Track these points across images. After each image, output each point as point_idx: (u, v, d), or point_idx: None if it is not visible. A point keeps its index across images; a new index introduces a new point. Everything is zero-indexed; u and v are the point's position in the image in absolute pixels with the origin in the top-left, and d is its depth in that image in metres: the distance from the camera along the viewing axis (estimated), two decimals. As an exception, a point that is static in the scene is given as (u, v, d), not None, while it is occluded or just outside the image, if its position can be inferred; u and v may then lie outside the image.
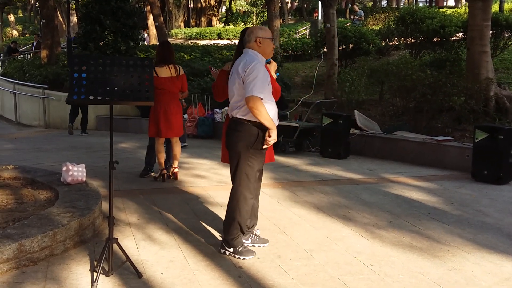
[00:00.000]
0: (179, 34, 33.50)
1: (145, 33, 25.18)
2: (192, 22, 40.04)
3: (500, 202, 5.79)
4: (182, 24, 38.41)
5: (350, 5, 35.06)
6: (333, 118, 8.56)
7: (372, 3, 40.77)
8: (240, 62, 3.88)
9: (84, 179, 5.24)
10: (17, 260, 3.57)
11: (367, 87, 11.69)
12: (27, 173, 5.72)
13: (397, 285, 3.53)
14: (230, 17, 43.12)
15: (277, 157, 4.53)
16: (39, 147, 9.90)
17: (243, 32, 4.15)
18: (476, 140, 6.86)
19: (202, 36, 32.00)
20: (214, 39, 30.75)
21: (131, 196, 5.77)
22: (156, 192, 6.00)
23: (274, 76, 4.34)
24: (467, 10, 11.97)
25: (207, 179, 6.74)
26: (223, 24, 40.11)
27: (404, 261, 3.96)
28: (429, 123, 9.34)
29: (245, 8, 42.76)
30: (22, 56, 22.78)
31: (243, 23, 38.52)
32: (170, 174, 6.62)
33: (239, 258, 3.92)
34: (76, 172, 5.18)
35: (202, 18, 40.24)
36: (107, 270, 3.55)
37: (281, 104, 4.18)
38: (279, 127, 4.11)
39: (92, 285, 3.40)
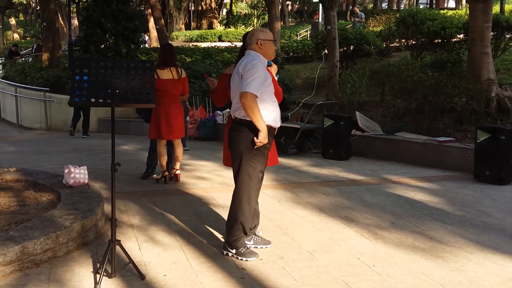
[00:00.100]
0: (180, 36, 33.52)
1: (146, 36, 25.22)
2: (193, 24, 40.08)
3: (502, 202, 5.78)
4: (183, 26, 38.44)
5: (350, 7, 35.07)
6: (334, 119, 8.57)
7: (372, 5, 40.81)
8: (241, 63, 3.89)
9: (86, 181, 5.24)
10: (20, 263, 3.57)
11: (368, 88, 11.69)
12: (29, 176, 5.72)
13: (400, 286, 3.53)
14: (231, 20, 43.14)
15: (279, 159, 4.53)
16: (40, 149, 9.90)
17: (245, 36, 4.17)
18: (478, 141, 6.86)
19: (203, 38, 32.02)
20: (215, 41, 30.76)
21: (133, 198, 5.77)
22: (158, 194, 6.01)
23: (275, 78, 4.34)
24: (468, 12, 11.97)
25: (209, 181, 6.75)
26: (224, 26, 40.12)
27: (407, 261, 3.96)
28: (430, 124, 9.33)
29: (246, 11, 42.75)
30: (23, 59, 22.81)
31: (243, 26, 38.54)
32: (172, 176, 6.62)
33: (241, 259, 3.92)
34: (78, 174, 5.19)
35: (203, 21, 40.28)
36: (109, 272, 3.56)
37: (282, 106, 4.18)
38: (280, 129, 4.11)
39: (95, 287, 3.40)
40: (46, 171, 6.16)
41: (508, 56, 14.34)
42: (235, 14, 45.96)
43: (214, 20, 40.47)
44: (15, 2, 48.04)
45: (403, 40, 15.25)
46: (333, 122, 8.55)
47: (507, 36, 13.69)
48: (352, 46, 14.93)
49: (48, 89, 14.84)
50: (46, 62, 17.62)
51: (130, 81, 3.57)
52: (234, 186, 4.02)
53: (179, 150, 6.53)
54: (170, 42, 19.24)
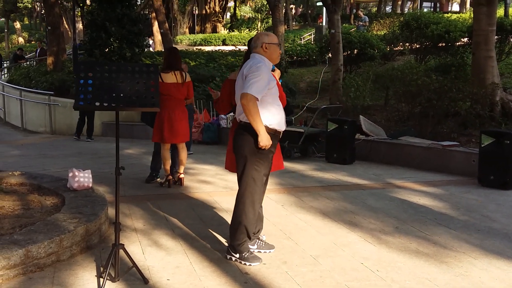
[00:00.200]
0: (184, 40, 33.60)
1: (150, 39, 25.28)
2: (197, 28, 40.17)
3: (507, 207, 5.76)
4: (187, 30, 38.54)
5: (354, 10, 35.07)
6: (338, 123, 8.56)
7: (376, 8, 40.81)
8: (246, 66, 3.90)
9: (90, 185, 5.25)
10: (24, 266, 3.58)
11: (372, 92, 11.68)
12: (33, 179, 5.74)
13: (404, 291, 3.52)
14: (235, 23, 43.21)
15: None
16: (45, 153, 9.93)
17: (251, 41, 4.18)
18: (482, 145, 6.83)
19: (207, 42, 32.09)
20: (219, 45, 30.82)
21: (137, 202, 5.78)
22: (162, 198, 6.01)
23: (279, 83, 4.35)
24: (472, 15, 11.96)
25: (213, 185, 6.75)
26: (227, 30, 40.22)
27: (411, 267, 3.95)
28: (434, 128, 9.32)
29: (250, 15, 42.84)
30: (28, 63, 22.90)
31: (247, 29, 38.60)
32: (176, 179, 6.63)
33: (245, 264, 3.91)
34: (82, 178, 5.20)
35: (207, 25, 40.36)
36: (113, 276, 3.56)
37: (286, 110, 4.18)
38: (284, 133, 4.11)
39: (98, 291, 3.41)
40: (51, 175, 6.18)
41: (513, 60, 14.32)
42: (239, 17, 46.05)
43: (218, 24, 40.57)
44: (20, 6, 48.23)
45: (407, 43, 15.26)
46: (337, 126, 8.54)
47: (512, 39, 13.68)
48: (356, 50, 14.94)
49: (52, 93, 14.89)
50: (51, 66, 17.68)
51: (134, 85, 3.58)
52: (237, 190, 4.02)
53: (183, 154, 6.54)
54: (174, 45, 19.25)
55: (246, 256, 3.94)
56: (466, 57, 13.15)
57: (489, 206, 5.77)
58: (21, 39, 49.35)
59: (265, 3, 32.57)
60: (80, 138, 12.21)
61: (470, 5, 35.50)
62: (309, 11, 45.09)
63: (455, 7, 48.38)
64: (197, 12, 40.82)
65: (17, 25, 51.19)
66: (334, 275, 3.76)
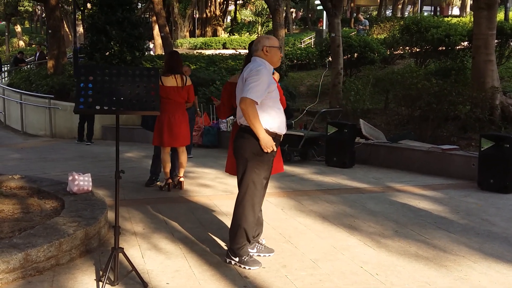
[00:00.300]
0: (185, 44, 33.66)
1: (150, 43, 25.30)
2: (198, 32, 40.24)
3: (507, 211, 5.76)
4: (188, 34, 38.60)
5: (354, 14, 35.14)
6: (338, 127, 8.57)
7: (376, 12, 40.87)
8: (246, 69, 3.91)
9: (90, 188, 5.26)
10: (23, 270, 3.58)
11: (372, 96, 11.69)
12: (33, 183, 5.74)
13: (404, 295, 3.51)
14: (235, 27, 43.30)
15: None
16: (45, 156, 9.94)
17: (251, 44, 4.18)
18: (482, 149, 6.84)
19: (207, 46, 32.14)
20: (219, 48, 30.88)
21: (137, 205, 5.78)
22: (162, 202, 6.01)
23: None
24: (472, 19, 11.98)
25: (213, 189, 6.75)
26: (228, 34, 40.27)
27: (410, 270, 3.95)
28: (434, 132, 9.32)
29: (250, 18, 42.95)
30: (28, 66, 22.94)
31: (248, 33, 38.67)
32: (176, 183, 6.63)
33: (244, 268, 3.91)
34: (82, 181, 5.20)
35: (207, 28, 40.42)
36: (112, 279, 3.55)
37: (286, 114, 4.19)
38: (284, 136, 4.12)
39: (97, 294, 3.40)
40: (50, 178, 6.18)
41: (513, 64, 14.33)
42: (239, 21, 46.13)
43: (219, 28, 40.63)
44: (21, 9, 48.37)
45: (407, 47, 15.27)
46: (337, 130, 8.55)
47: (512, 43, 13.69)
48: (356, 54, 14.96)
49: (53, 96, 14.91)
50: (51, 70, 17.72)
51: (135, 89, 3.59)
52: (237, 193, 4.02)
53: (183, 157, 6.54)
54: (174, 49, 19.29)
55: (245, 260, 3.93)
56: (466, 61, 13.16)
57: (488, 210, 5.77)
58: (21, 43, 49.46)
59: (265, 6, 32.62)
60: (81, 141, 12.23)
61: (470, 9, 35.55)
62: (310, 15, 45.15)
63: (455, 11, 48.45)
64: (197, 15, 40.90)
65: (18, 28, 51.30)
66: (334, 279, 3.76)
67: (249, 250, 4.08)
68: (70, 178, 5.20)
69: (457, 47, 14.05)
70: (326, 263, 4.08)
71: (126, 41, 14.79)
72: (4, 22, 45.94)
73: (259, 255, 4.17)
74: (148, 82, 3.63)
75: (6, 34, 46.04)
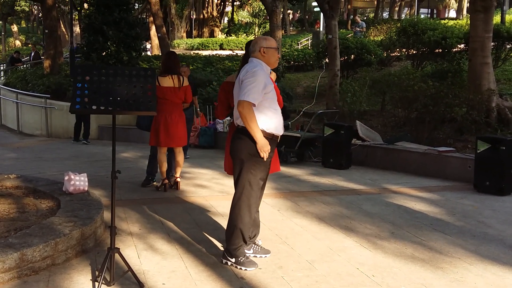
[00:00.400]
0: (182, 44, 33.66)
1: (147, 43, 25.29)
2: (194, 32, 40.24)
3: (502, 213, 5.77)
4: (185, 34, 38.60)
5: (351, 16, 35.19)
6: (335, 128, 8.57)
7: (373, 14, 40.94)
8: (243, 70, 3.91)
9: (86, 188, 5.24)
10: (18, 270, 3.56)
11: (369, 97, 11.70)
12: (29, 182, 5.72)
13: (400, 296, 3.52)
14: (232, 28, 43.33)
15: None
16: (41, 156, 9.91)
17: (249, 45, 4.18)
18: (478, 151, 6.85)
19: (204, 46, 32.15)
20: (216, 49, 30.89)
21: (133, 205, 5.77)
22: (158, 202, 6.00)
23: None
24: (469, 22, 12.02)
25: (209, 189, 6.74)
26: (225, 34, 40.30)
27: (407, 272, 3.95)
28: (431, 134, 9.34)
29: (247, 19, 42.98)
30: (24, 66, 22.90)
31: (245, 34, 38.71)
32: (172, 183, 6.62)
33: (241, 268, 3.91)
34: (78, 181, 5.19)
35: (204, 29, 40.45)
36: (108, 280, 3.55)
37: (283, 114, 4.19)
38: (281, 137, 4.11)
39: (93, 295, 3.39)
40: (46, 178, 6.17)
41: (509, 67, 14.38)
42: (236, 22, 46.17)
43: (216, 29, 40.65)
44: (17, 9, 48.27)
45: (403, 49, 15.31)
46: (334, 131, 8.55)
47: (508, 46, 13.73)
48: (353, 55, 14.98)
49: (49, 96, 14.88)
50: (48, 69, 17.67)
51: (131, 89, 3.58)
52: (234, 193, 4.02)
53: (180, 157, 6.53)
54: (171, 50, 19.25)
55: (242, 260, 3.93)
56: (462, 63, 13.20)
57: (484, 212, 5.78)
58: (18, 42, 49.37)
59: (262, 8, 32.67)
60: (77, 141, 12.21)
61: (467, 11, 35.68)
62: (307, 17, 45.22)
63: (452, 13, 48.58)
64: (194, 16, 40.91)
65: (14, 28, 51.21)
66: (330, 280, 3.76)
67: (246, 251, 4.07)
68: (66, 178, 5.19)
69: (454, 50, 14.10)
70: (323, 264, 4.08)
71: (123, 41, 14.77)
72: (0, 22, 45.82)
73: (256, 256, 4.16)
74: (144, 82, 3.62)
75: (3, 33, 45.94)
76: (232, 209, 3.98)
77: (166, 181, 6.53)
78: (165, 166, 6.51)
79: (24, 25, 61.97)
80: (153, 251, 4.31)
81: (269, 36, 4.25)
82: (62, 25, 39.39)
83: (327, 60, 14.90)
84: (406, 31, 14.56)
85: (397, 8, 42.85)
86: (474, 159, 7.01)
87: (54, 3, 18.36)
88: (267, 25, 31.16)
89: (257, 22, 39.73)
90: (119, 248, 3.64)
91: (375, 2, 39.80)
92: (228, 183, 6.77)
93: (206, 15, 40.68)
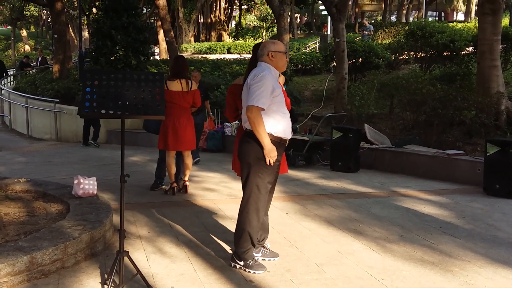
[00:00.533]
0: (189, 48, 33.75)
1: (155, 48, 25.37)
2: (202, 36, 40.36)
3: (513, 216, 5.73)
4: (192, 38, 38.71)
5: (359, 19, 35.18)
6: (343, 131, 8.56)
7: (381, 17, 40.89)
8: (250, 75, 3.91)
9: (95, 192, 5.27)
10: (28, 273, 3.58)
11: (377, 101, 11.68)
12: (38, 186, 5.75)
13: (409, 300, 3.50)
14: (240, 32, 43.40)
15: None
16: (50, 160, 9.97)
17: (256, 47, 4.18)
18: (488, 154, 6.82)
19: (212, 50, 32.21)
20: (223, 53, 30.94)
21: (142, 209, 5.79)
22: (167, 205, 6.02)
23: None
24: (477, 25, 11.96)
25: (217, 193, 6.75)
26: (232, 38, 40.38)
27: (416, 275, 3.93)
28: (439, 137, 9.30)
29: (255, 23, 43.01)
30: (34, 70, 23.06)
31: (252, 38, 38.75)
32: (181, 187, 6.64)
33: (249, 272, 3.91)
34: (87, 185, 5.21)
35: (212, 33, 40.55)
36: (117, 283, 3.56)
37: (291, 118, 4.19)
38: (289, 141, 4.12)
39: (102, 298, 3.41)
40: (56, 182, 6.20)
41: (518, 69, 14.29)
42: (244, 26, 46.25)
43: (223, 32, 40.75)
44: (27, 14, 48.64)
45: (412, 52, 15.26)
46: (342, 135, 8.54)
47: (516, 49, 13.66)
48: (360, 59, 14.95)
49: (58, 100, 14.96)
50: (57, 74, 17.79)
51: (140, 93, 3.60)
52: (242, 197, 4.02)
53: (188, 161, 6.55)
54: (179, 54, 19.30)
55: (250, 264, 3.93)
56: (471, 66, 13.14)
57: (494, 215, 5.75)
58: (27, 47, 49.72)
59: (270, 11, 32.71)
60: (87, 145, 12.29)
61: (475, 14, 35.55)
62: (314, 20, 45.26)
63: (460, 16, 48.44)
64: (202, 20, 41.04)
65: (24, 33, 51.60)
66: (339, 284, 3.75)
67: (254, 254, 4.07)
68: (76, 181, 5.22)
69: (462, 53, 14.04)
70: (331, 267, 4.07)
71: (131, 46, 14.84)
72: (10, 27, 46.20)
73: (264, 259, 4.16)
74: (153, 86, 3.64)
75: (12, 38, 46.33)
76: (240, 213, 3.98)
77: (175, 184, 6.55)
78: (173, 170, 6.53)
79: (33, 30, 62.42)
80: (161, 254, 4.32)
81: (277, 40, 4.25)
82: (71, 30, 39.66)
83: (334, 63, 14.89)
84: (414, 34, 14.52)
85: (404, 11, 42.75)
86: (483, 162, 6.97)
87: (63, 8, 18.49)
88: (275, 29, 31.21)
89: (264, 25, 39.77)
90: (128, 251, 3.65)
91: (383, 5, 39.77)
92: (236, 187, 6.78)
93: (213, 19, 40.80)
